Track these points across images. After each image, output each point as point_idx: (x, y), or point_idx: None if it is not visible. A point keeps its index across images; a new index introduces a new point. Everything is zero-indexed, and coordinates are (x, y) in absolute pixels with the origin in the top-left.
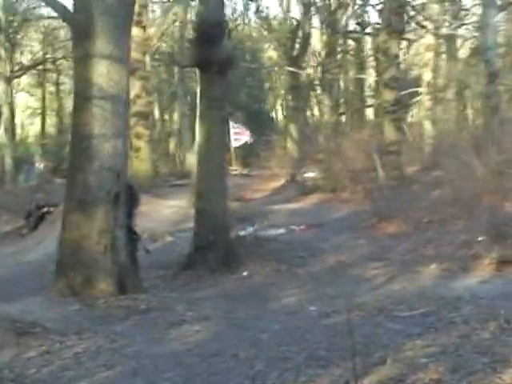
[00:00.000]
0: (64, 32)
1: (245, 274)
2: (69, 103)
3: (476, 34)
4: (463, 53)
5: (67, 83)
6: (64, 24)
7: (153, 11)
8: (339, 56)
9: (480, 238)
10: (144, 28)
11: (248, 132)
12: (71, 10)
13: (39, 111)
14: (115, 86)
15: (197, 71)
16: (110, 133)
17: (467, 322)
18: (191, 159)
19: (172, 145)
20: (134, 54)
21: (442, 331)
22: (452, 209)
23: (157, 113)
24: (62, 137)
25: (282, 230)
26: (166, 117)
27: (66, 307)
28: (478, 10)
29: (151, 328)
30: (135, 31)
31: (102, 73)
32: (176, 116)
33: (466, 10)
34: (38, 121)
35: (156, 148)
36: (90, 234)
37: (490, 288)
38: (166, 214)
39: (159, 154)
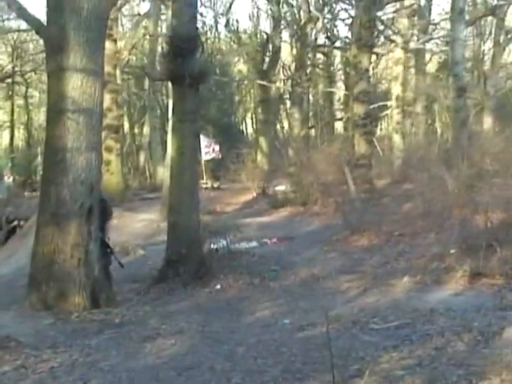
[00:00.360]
0: (33, 45)
1: (218, 287)
2: (38, 116)
3: (444, 49)
4: (432, 67)
5: (36, 96)
6: (33, 37)
7: (123, 24)
8: (309, 70)
9: (452, 251)
10: (115, 41)
11: (218, 145)
12: (44, 23)
13: (8, 124)
14: (89, 99)
15: (169, 84)
16: (83, 146)
17: (442, 334)
18: (162, 172)
19: (142, 158)
20: (105, 68)
21: (417, 343)
22: (423, 222)
23: (127, 126)
24: (31, 150)
25: (254, 244)
26: (136, 130)
27: (39, 321)
28: (447, 25)
29: (126, 342)
30: (106, 44)
31: (76, 86)
32: (146, 129)
33: (435, 24)
34: (6, 134)
35: (126, 161)
36: (64, 247)
37: (462, 300)
38: (137, 227)
39: (129, 168)
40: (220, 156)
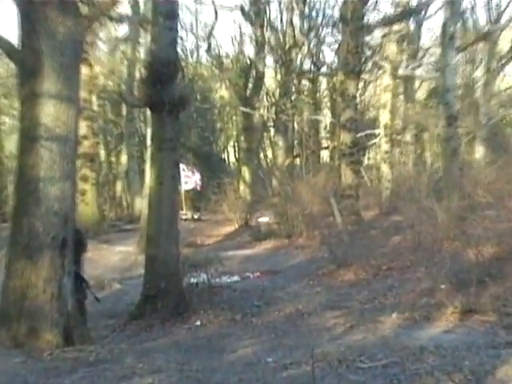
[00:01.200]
0: (3, 70)
1: (198, 323)
2: (8, 144)
3: (434, 75)
4: (421, 94)
5: (7, 123)
6: (3, 60)
7: (100, 49)
8: (294, 96)
9: (442, 286)
10: (91, 66)
11: (198, 175)
12: (17, 47)
13: None
14: (63, 126)
15: (147, 111)
16: (57, 175)
17: (431, 373)
18: (140, 203)
19: (119, 188)
20: (81, 93)
21: (405, 383)
22: (413, 255)
23: (103, 154)
24: (1, 179)
25: (236, 278)
26: (113, 159)
27: (9, 360)
28: (437, 50)
29: (101, 381)
30: (82, 69)
31: (50, 112)
32: (123, 158)
33: (425, 50)
34: None
35: (102, 191)
36: (36, 281)
37: (453, 338)
38: (113, 260)
39: (106, 198)
40: (200, 186)
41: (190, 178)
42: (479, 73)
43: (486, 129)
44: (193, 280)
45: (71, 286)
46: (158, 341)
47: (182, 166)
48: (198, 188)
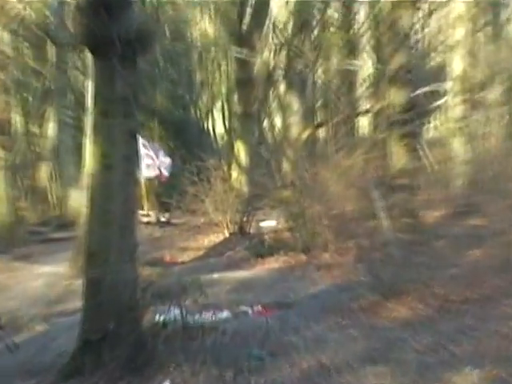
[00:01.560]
0: None
1: None
2: None
3: None
4: None
5: None
6: None
7: None
8: (316, 32)
9: None
10: None
11: (168, 156)
12: None
13: None
14: None
15: (88, 56)
16: None
17: None
18: (76, 198)
19: (43, 174)
20: None
21: None
22: (500, 280)
23: (18, 122)
24: None
25: (225, 314)
26: (35, 129)
27: None
28: None
29: None
30: None
31: None
32: (51, 127)
33: None
34: None
35: (17, 179)
36: None
37: None
38: (35, 286)
39: (23, 190)
40: (169, 171)
41: (154, 161)
42: None
43: None
44: (159, 317)
45: None
46: None
47: (142, 141)
48: (165, 174)
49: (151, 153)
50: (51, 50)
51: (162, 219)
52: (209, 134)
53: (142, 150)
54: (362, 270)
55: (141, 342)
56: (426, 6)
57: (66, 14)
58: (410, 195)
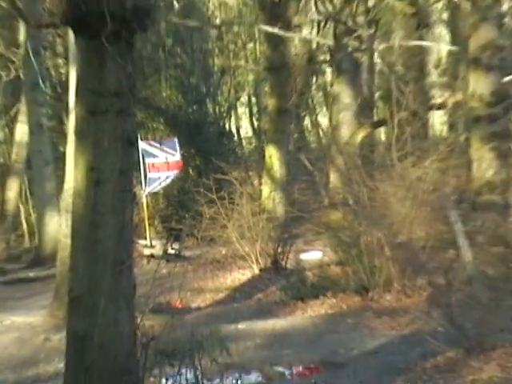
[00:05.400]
0: None
1: None
2: None
3: None
4: None
5: None
6: None
7: None
8: (372, 2)
9: None
10: None
11: (178, 160)
12: None
13: None
14: None
15: (70, 36)
16: None
17: None
18: (54, 225)
19: (12, 193)
20: None
21: None
22: None
23: None
24: None
25: (255, 377)
26: (1, 132)
27: None
28: None
29: None
30: None
31: None
32: (21, 131)
33: None
34: None
35: None
36: None
37: None
38: (3, 342)
39: None
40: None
41: (159, 170)
42: None
43: None
44: (165, 382)
45: None
46: None
47: (144, 145)
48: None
49: (156, 159)
50: (23, 31)
51: (171, 251)
52: (231, 137)
53: (147, 159)
54: (438, 316)
55: None
56: None
57: None
58: (500, 216)
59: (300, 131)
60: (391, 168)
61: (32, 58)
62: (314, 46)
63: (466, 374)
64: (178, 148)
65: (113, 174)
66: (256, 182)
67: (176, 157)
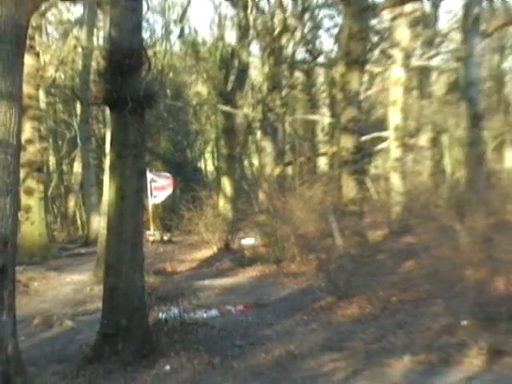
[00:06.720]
0: None
1: (167, 368)
2: None
3: (455, 66)
4: (439, 88)
5: None
6: None
7: (48, 34)
8: (285, 92)
9: (465, 322)
10: (37, 55)
11: (169, 185)
12: None
13: None
14: (2, 128)
15: (106, 110)
16: None
17: None
18: (97, 222)
19: (72, 203)
20: (25, 88)
21: None
22: (429, 285)
23: (53, 162)
24: None
25: (214, 312)
26: (65, 167)
27: None
28: (458, 36)
29: None
30: (26, 59)
31: None
32: (77, 166)
33: (443, 35)
34: None
35: (51, 207)
36: None
37: None
38: (64, 291)
39: (56, 215)
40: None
41: (159, 190)
42: (510, 63)
43: None
44: (161, 315)
45: (12, 323)
46: None
47: (150, 175)
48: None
49: (158, 184)
50: (78, 106)
51: (165, 238)
52: (201, 171)
53: (150, 182)
54: (322, 277)
55: (147, 335)
56: (371, 69)
57: (89, 78)
58: (358, 219)
59: (241, 168)
60: (295, 190)
61: (84, 123)
62: (251, 118)
63: (338, 311)
64: (169, 177)
65: (132, 192)
66: (215, 198)
67: (168, 182)
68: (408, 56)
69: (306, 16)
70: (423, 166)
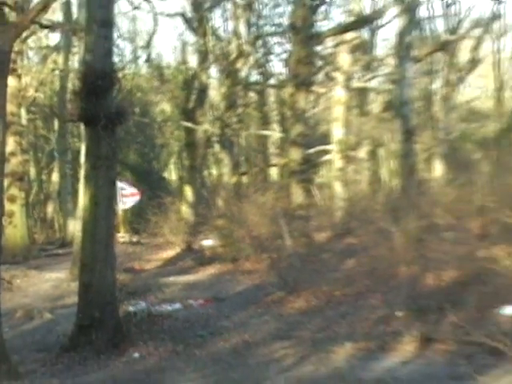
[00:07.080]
0: None
1: (136, 355)
2: None
3: (390, 87)
4: (376, 107)
5: None
6: None
7: (29, 58)
8: (240, 110)
9: (399, 313)
10: (19, 77)
11: (137, 193)
12: None
13: None
14: None
15: (81, 126)
16: None
17: None
18: (73, 225)
19: (50, 209)
20: (8, 106)
21: None
22: (368, 280)
23: (33, 172)
24: None
25: (177, 306)
26: (44, 177)
27: None
28: (393, 61)
29: None
30: (9, 80)
31: None
32: (55, 176)
33: (379, 60)
34: None
35: (32, 212)
36: None
37: (412, 369)
38: (44, 288)
39: (36, 220)
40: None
41: (128, 197)
42: (438, 85)
43: (445, 144)
44: (131, 309)
45: None
46: (92, 375)
47: (120, 184)
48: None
49: (126, 192)
50: (56, 123)
51: (133, 240)
52: (166, 180)
53: (120, 190)
54: (273, 274)
55: (118, 326)
56: (316, 90)
57: (66, 98)
58: (305, 222)
59: (202, 178)
60: (249, 197)
61: (61, 138)
62: (210, 133)
63: (287, 304)
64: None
65: (104, 199)
66: (178, 204)
67: (135, 190)
68: (349, 78)
69: (259, 43)
70: (362, 176)
